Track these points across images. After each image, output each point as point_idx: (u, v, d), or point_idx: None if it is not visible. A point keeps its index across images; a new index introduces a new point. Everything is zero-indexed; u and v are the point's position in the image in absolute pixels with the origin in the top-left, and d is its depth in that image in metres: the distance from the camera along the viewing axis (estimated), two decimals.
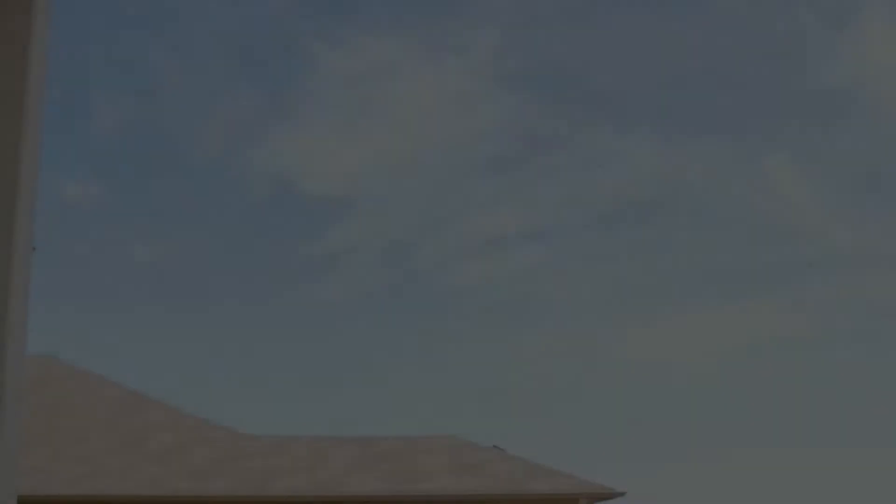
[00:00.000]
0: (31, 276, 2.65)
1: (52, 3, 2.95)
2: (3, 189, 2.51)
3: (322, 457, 19.24)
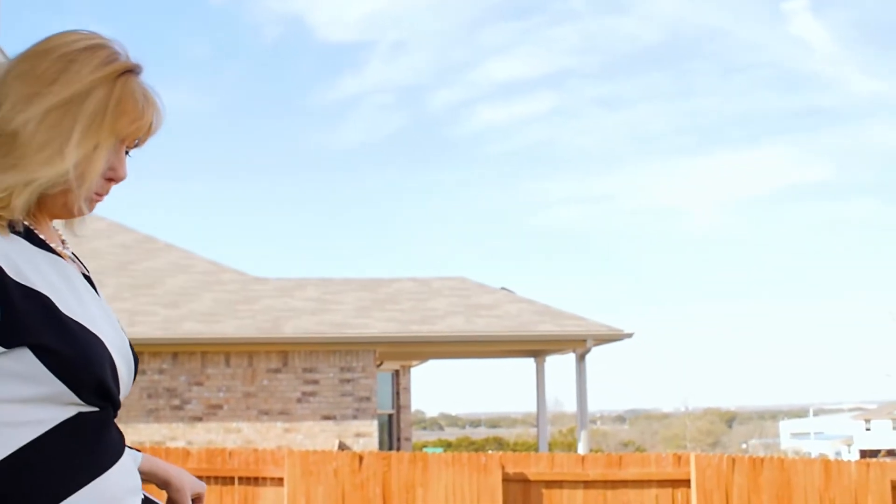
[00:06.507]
0: None
1: None
2: None
3: (332, 298, 19.38)
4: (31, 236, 1.82)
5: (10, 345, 1.69)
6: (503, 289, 21.22)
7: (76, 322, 1.76)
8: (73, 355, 1.72)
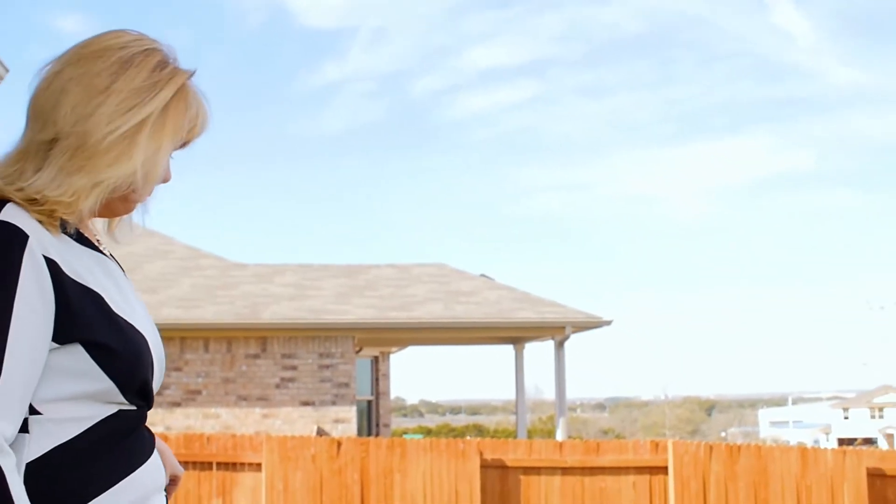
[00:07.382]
0: None
1: None
2: None
3: (311, 284, 19.33)
4: (80, 237, 1.83)
5: (65, 341, 1.70)
6: (483, 276, 21.22)
7: (125, 321, 1.78)
8: (125, 353, 1.75)
